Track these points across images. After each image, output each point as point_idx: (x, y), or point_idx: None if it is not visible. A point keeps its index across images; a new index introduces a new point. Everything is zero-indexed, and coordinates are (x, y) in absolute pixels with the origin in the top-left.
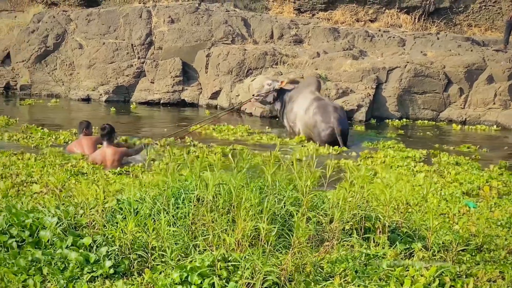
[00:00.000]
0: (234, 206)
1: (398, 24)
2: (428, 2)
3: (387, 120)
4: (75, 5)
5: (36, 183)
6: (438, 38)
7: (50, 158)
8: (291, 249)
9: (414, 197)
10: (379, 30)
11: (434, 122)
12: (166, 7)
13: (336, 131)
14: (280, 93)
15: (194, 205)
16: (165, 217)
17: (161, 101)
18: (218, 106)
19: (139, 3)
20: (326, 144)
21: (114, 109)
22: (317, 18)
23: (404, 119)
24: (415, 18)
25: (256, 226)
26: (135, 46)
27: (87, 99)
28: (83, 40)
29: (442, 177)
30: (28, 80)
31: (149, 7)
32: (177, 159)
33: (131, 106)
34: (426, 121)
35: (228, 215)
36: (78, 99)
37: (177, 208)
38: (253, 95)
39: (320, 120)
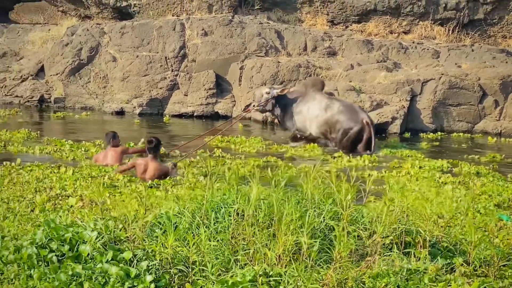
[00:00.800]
0: (274, 220)
1: (432, 36)
2: (462, 13)
3: (421, 133)
4: (108, 18)
5: (71, 196)
6: (472, 50)
7: (86, 171)
8: (333, 264)
9: (447, 211)
10: (413, 42)
11: (469, 135)
12: (199, 20)
13: (366, 131)
14: (279, 100)
15: (235, 220)
16: (205, 231)
17: (195, 114)
18: (251, 118)
19: (173, 16)
20: (347, 144)
21: (138, 121)
22: (351, 30)
23: (439, 132)
24: (449, 30)
25: (298, 240)
26: (168, 58)
27: (121, 112)
28: (116, 53)
29: (468, 188)
30: (62, 93)
31: (182, 19)
32: (212, 172)
33: (164, 118)
34: (461, 134)
35: (269, 229)
36: (112, 112)
37: (217, 222)
38: (253, 105)
39: (347, 118)
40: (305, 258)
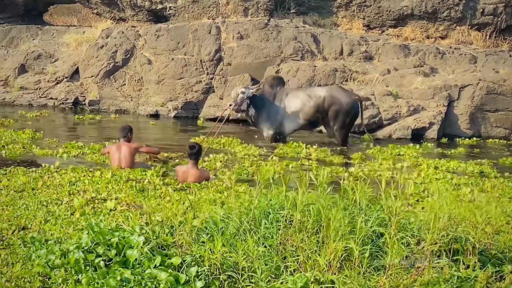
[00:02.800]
0: (323, 226)
1: (469, 41)
2: (499, 19)
3: (457, 138)
4: (143, 20)
5: (105, 199)
6: (510, 56)
7: (119, 174)
8: (386, 271)
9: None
10: (450, 47)
11: (505, 141)
12: (235, 23)
13: (360, 106)
14: (253, 100)
15: (283, 226)
16: (252, 237)
17: (230, 117)
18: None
19: (208, 19)
20: (349, 124)
21: (154, 123)
22: (387, 34)
23: (475, 138)
24: (486, 35)
25: (347, 247)
26: (204, 62)
27: (155, 115)
28: (152, 55)
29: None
30: (96, 95)
31: (218, 23)
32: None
33: (198, 121)
34: (497, 140)
35: (317, 235)
36: (147, 115)
37: (264, 228)
38: (229, 105)
39: (344, 96)
40: (356, 265)
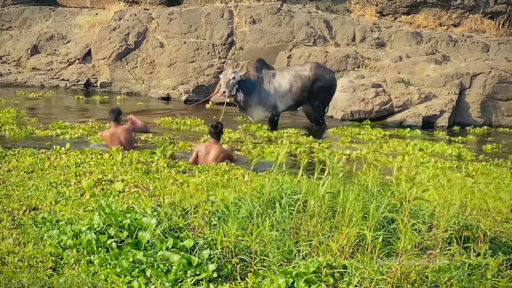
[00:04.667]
0: (337, 212)
1: (482, 29)
2: None
3: (469, 126)
4: (156, 3)
5: (112, 181)
6: None
7: (130, 156)
8: (398, 257)
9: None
10: (463, 35)
11: None
12: (248, 8)
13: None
14: (241, 84)
15: (297, 211)
16: (264, 221)
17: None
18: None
19: (221, 2)
20: (330, 100)
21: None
22: (399, 21)
23: (486, 126)
24: (499, 24)
25: (361, 232)
26: (216, 46)
27: (167, 98)
28: (164, 38)
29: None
30: (108, 77)
31: (230, 7)
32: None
33: (207, 105)
34: (508, 129)
35: (331, 220)
36: (158, 97)
37: (276, 212)
38: (223, 91)
39: (325, 72)
40: (369, 251)
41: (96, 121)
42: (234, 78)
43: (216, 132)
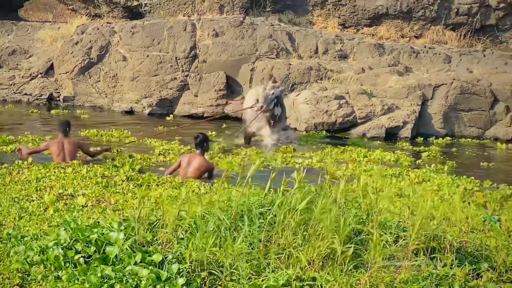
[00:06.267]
0: (307, 224)
1: (443, 40)
2: (474, 19)
3: (431, 137)
4: (119, 17)
5: (72, 195)
6: (484, 56)
7: (84, 170)
8: (368, 269)
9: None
10: (425, 47)
11: (478, 141)
12: (210, 21)
13: None
14: (279, 99)
15: (267, 223)
16: (233, 234)
17: (205, 115)
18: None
19: (184, 16)
20: None
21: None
22: (362, 33)
23: (449, 137)
24: (460, 35)
25: (331, 245)
26: (179, 59)
27: (130, 112)
28: (127, 52)
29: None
30: (71, 91)
31: (193, 20)
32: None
33: (167, 118)
34: (470, 139)
35: (300, 233)
36: (121, 111)
37: (248, 225)
38: (260, 106)
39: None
40: (338, 263)
41: (36, 135)
42: (273, 93)
43: (197, 143)
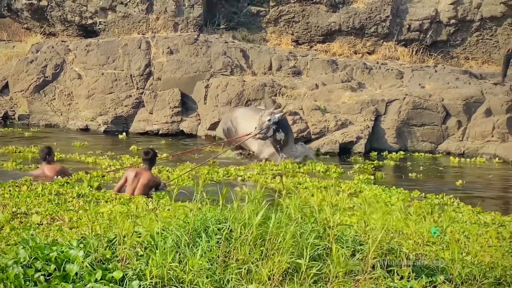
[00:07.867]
0: (266, 239)
1: (395, 56)
2: (425, 35)
3: (385, 152)
4: (73, 35)
5: (26, 214)
6: (436, 71)
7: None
8: (329, 283)
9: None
10: (377, 63)
11: (431, 155)
12: (165, 38)
13: None
14: (279, 123)
15: (225, 239)
16: (192, 251)
17: (160, 132)
18: (216, 137)
19: (138, 34)
20: None
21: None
22: (315, 50)
23: (402, 152)
24: (412, 51)
25: (292, 260)
26: (134, 76)
27: (85, 129)
28: (82, 70)
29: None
30: (26, 110)
31: (148, 38)
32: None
33: (119, 136)
34: (423, 154)
35: (260, 248)
36: (77, 129)
37: (206, 241)
38: (258, 133)
39: None
40: (299, 278)
41: None
42: (269, 120)
43: (147, 159)
